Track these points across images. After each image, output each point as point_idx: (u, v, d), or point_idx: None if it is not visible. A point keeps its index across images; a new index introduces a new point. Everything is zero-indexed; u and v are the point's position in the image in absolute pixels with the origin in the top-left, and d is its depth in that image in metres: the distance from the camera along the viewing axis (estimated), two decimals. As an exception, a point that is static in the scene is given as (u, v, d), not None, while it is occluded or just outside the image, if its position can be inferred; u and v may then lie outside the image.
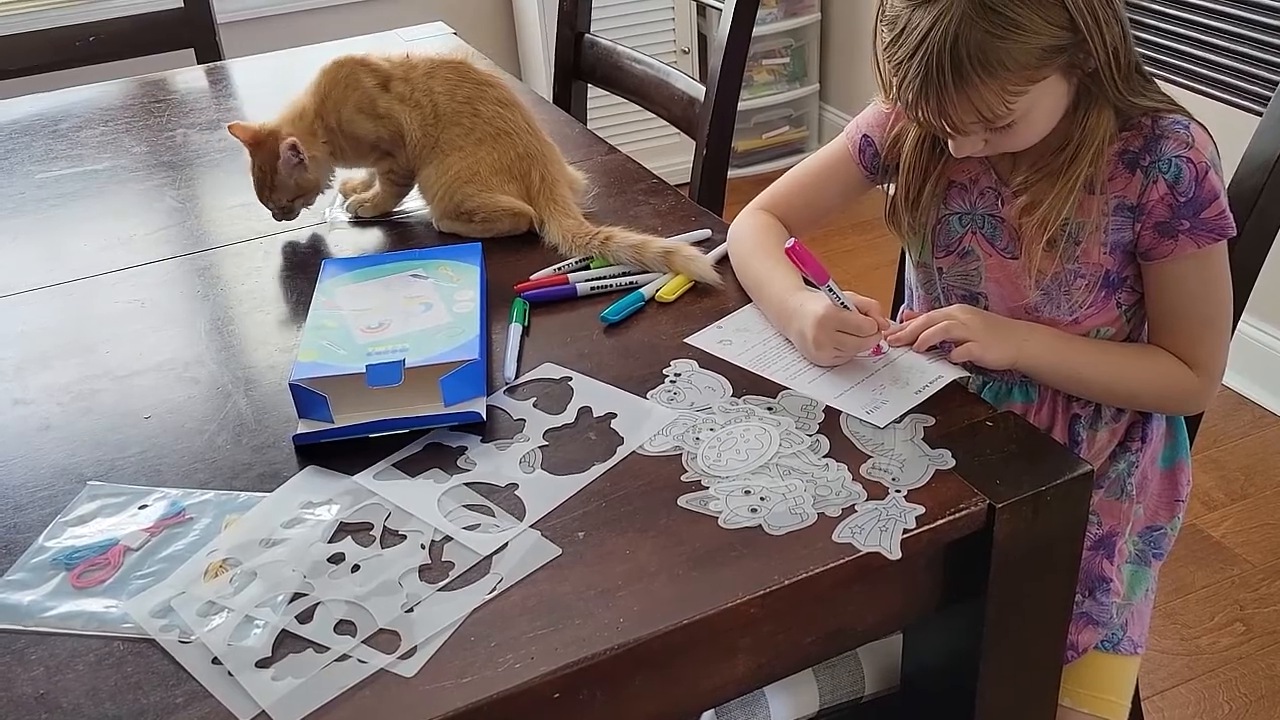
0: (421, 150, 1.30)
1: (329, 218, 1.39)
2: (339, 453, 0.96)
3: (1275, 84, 1.06)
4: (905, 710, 1.07)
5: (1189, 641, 1.80)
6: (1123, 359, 1.04)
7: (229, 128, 1.31)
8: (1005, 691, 0.94)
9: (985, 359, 1.00)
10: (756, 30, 3.27)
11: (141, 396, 1.06)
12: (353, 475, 0.93)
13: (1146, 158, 0.97)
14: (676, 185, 1.41)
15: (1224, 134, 1.03)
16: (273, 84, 1.90)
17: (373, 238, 1.35)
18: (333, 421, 0.98)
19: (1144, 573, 1.12)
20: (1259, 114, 1.07)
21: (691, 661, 0.81)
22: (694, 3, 3.17)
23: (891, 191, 1.12)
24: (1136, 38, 1.02)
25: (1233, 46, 1.10)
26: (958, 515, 0.84)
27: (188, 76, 2.00)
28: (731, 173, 3.36)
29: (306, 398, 0.98)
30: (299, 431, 0.97)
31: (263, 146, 1.30)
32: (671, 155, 3.24)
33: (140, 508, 0.91)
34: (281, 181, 1.30)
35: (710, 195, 1.58)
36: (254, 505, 0.90)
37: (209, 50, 2.22)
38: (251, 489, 0.92)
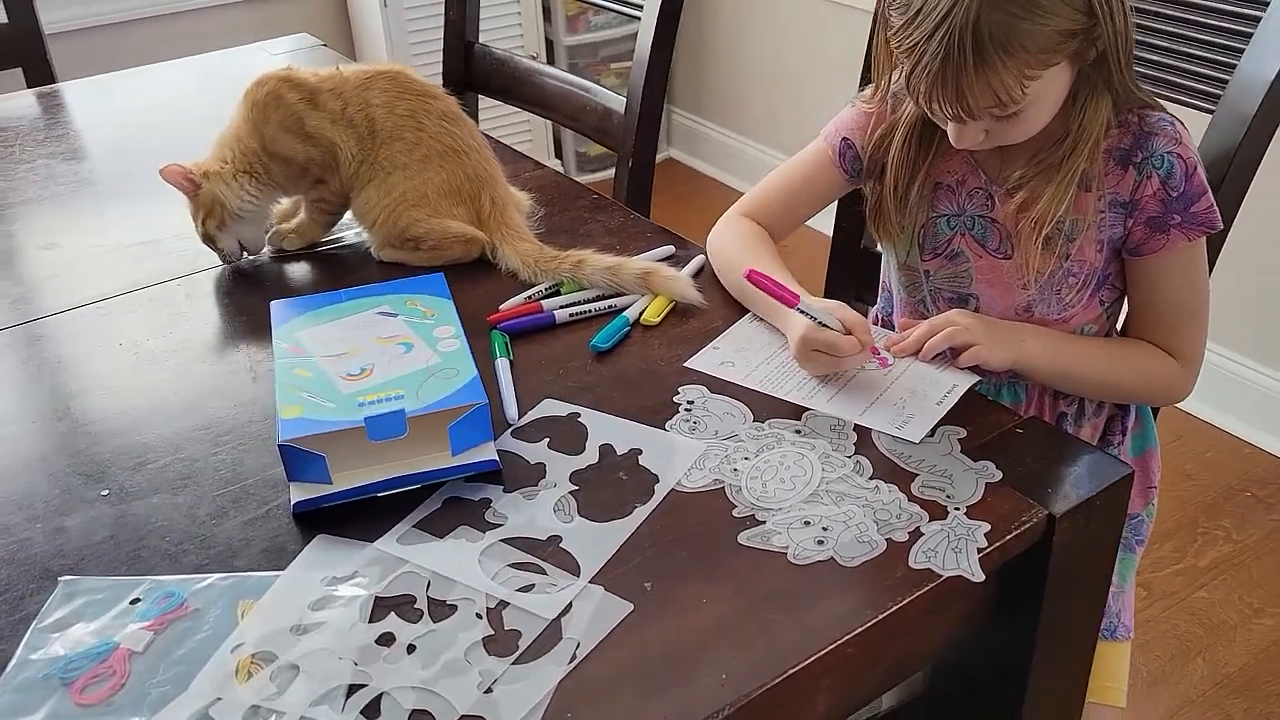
0: (359, 171, 1.21)
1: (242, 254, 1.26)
2: (344, 517, 0.87)
3: (1224, 82, 1.10)
4: (936, 712, 1.05)
5: (1100, 611, 1.88)
6: (1112, 354, 1.07)
7: (161, 172, 1.18)
8: (1049, 696, 0.95)
9: (990, 361, 1.00)
10: (602, 34, 3.27)
11: (90, 470, 0.93)
12: (373, 542, 0.84)
13: (1138, 154, 0.99)
14: None
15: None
16: (117, 111, 1.73)
17: (304, 273, 1.24)
18: (331, 483, 0.89)
19: (1130, 560, 1.15)
20: (1210, 111, 1.12)
21: (783, 711, 0.77)
22: (540, 8, 3.11)
23: (876, 194, 1.11)
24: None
25: (1179, 48, 1.14)
26: (1020, 529, 0.83)
27: (16, 103, 1.80)
28: (586, 177, 3.36)
29: (300, 459, 0.88)
30: (298, 499, 0.87)
31: (199, 186, 1.18)
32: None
33: (131, 602, 0.79)
34: (223, 223, 1.19)
35: (637, 206, 1.54)
36: (268, 587, 0.80)
37: (40, 70, 2.01)
38: (258, 568, 0.82)
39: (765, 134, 3.21)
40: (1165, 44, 1.15)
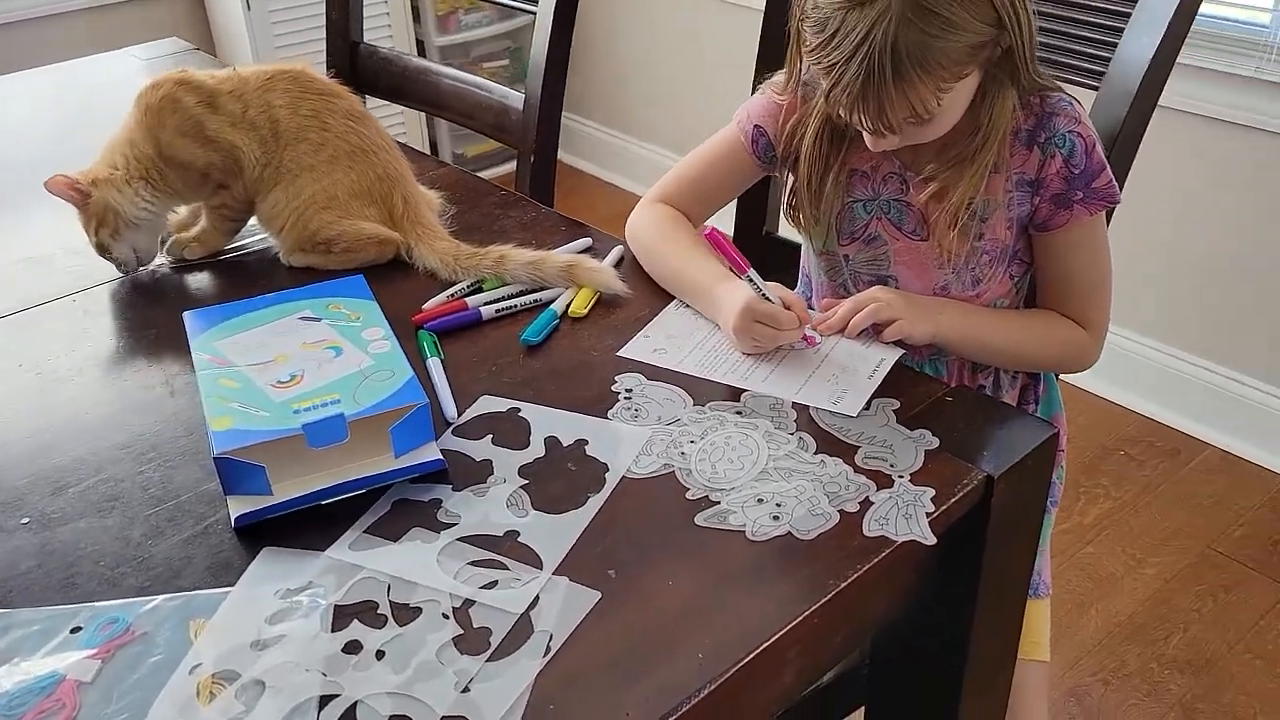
0: (263, 175, 1.17)
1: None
2: (289, 528, 0.84)
3: (1107, 60, 1.16)
4: (876, 677, 1.08)
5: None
6: (1025, 325, 1.12)
7: (46, 184, 1.11)
8: (987, 654, 0.98)
9: (913, 335, 1.04)
10: (474, 34, 3.24)
11: (5, 498, 0.88)
12: (324, 550, 0.82)
13: (1042, 134, 1.04)
14: None
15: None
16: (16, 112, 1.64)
17: (209, 283, 1.20)
18: (272, 494, 0.86)
19: (1047, 520, 1.21)
20: (1095, 88, 1.18)
21: (755, 685, 0.78)
22: (409, 8, 3.06)
23: (791, 184, 1.14)
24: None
25: (1064, 29, 1.20)
26: (963, 491, 0.86)
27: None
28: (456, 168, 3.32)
29: (238, 471, 0.85)
30: (239, 512, 0.84)
31: (88, 196, 1.13)
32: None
33: (72, 631, 0.75)
34: (117, 231, 1.13)
35: (540, 202, 1.53)
36: (219, 604, 0.77)
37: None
38: (204, 586, 0.79)
39: (647, 131, 3.23)
40: (1051, 26, 1.20)
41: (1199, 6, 1.14)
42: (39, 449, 0.93)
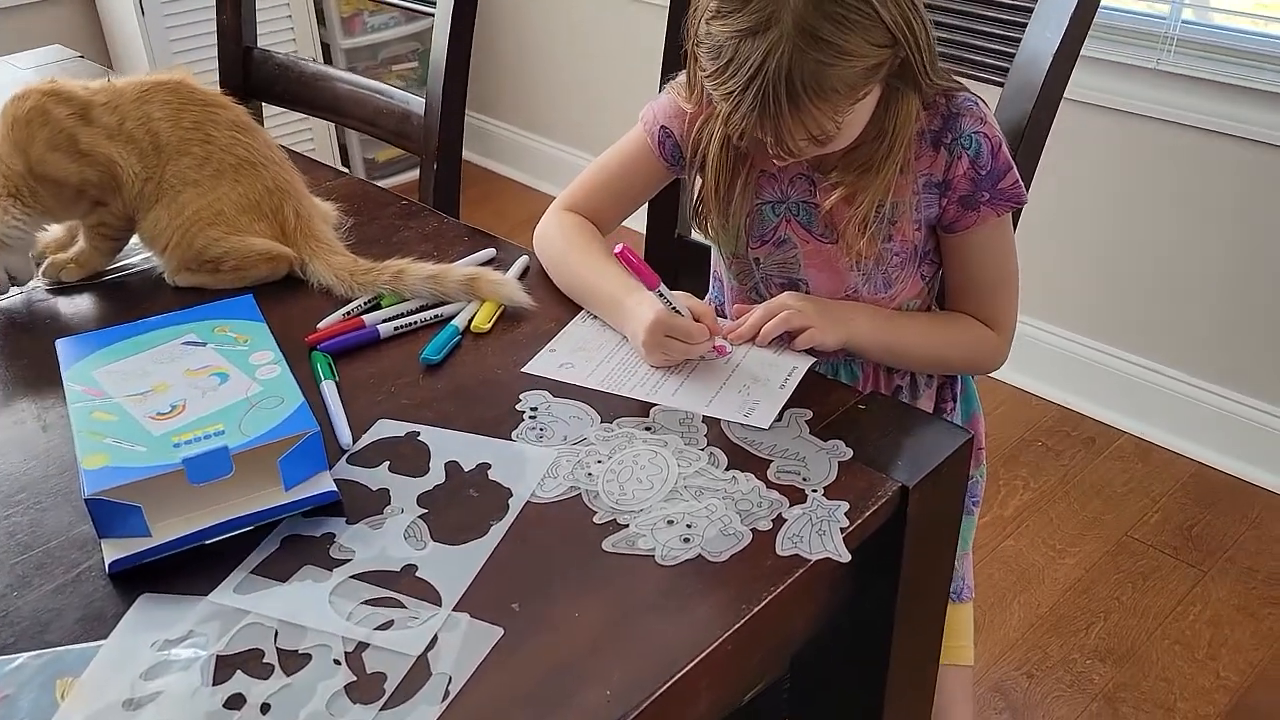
0: (144, 191, 1.10)
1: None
2: (170, 572, 0.79)
3: (1010, 55, 1.15)
4: (797, 693, 1.06)
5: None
6: (935, 327, 1.10)
7: None
8: (909, 664, 0.97)
9: (825, 342, 1.02)
10: (380, 36, 3.17)
11: None
12: (206, 595, 0.76)
13: (948, 135, 1.02)
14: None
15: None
16: None
17: (88, 306, 1.13)
18: (151, 535, 0.80)
19: (969, 521, 1.20)
20: (1000, 84, 1.17)
21: (669, 717, 0.75)
22: (313, 11, 2.97)
23: (697, 188, 1.11)
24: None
25: (967, 25, 1.19)
26: (878, 504, 0.84)
27: None
28: (379, 183, 3.25)
29: (111, 512, 0.80)
30: (114, 557, 0.78)
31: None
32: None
33: (-74, 698, 0.69)
34: None
35: (446, 210, 1.48)
36: (90, 659, 0.72)
37: None
38: (75, 640, 0.73)
39: (559, 131, 3.19)
40: (953, 22, 1.19)
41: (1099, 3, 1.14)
42: (-106, 495, 0.87)
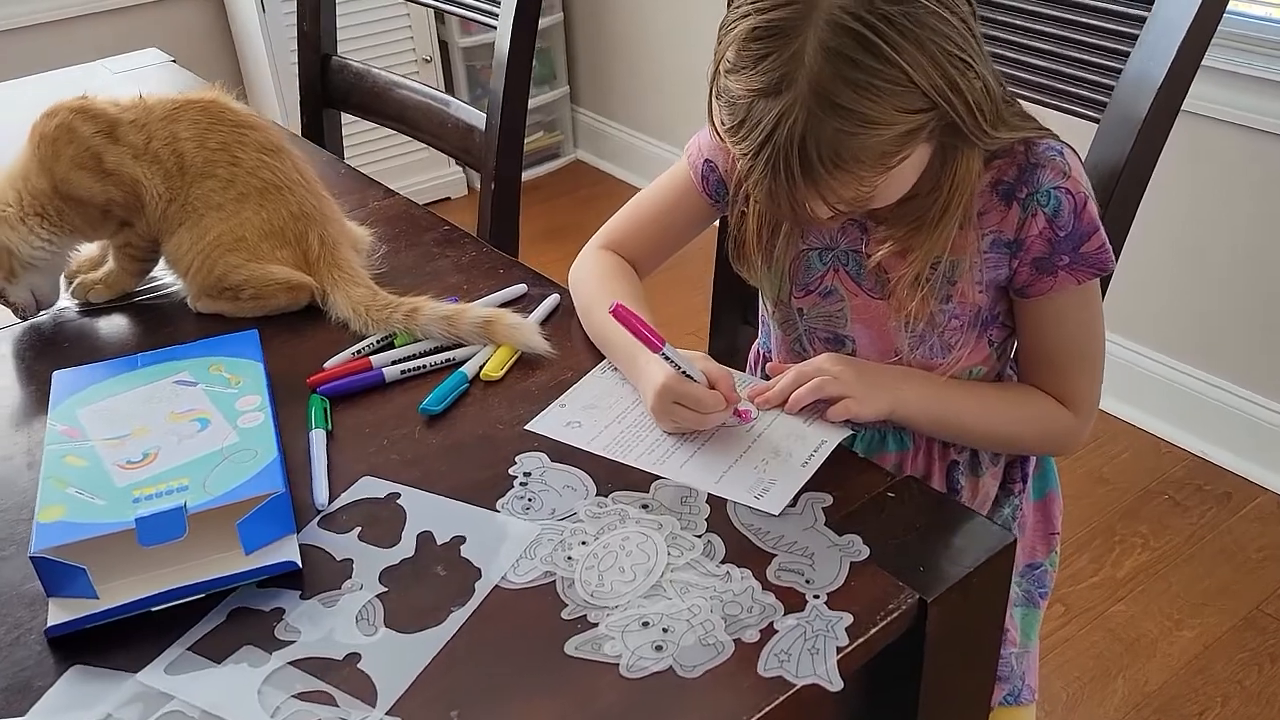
0: (167, 212, 1.07)
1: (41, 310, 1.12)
2: (111, 639, 0.74)
3: (1110, 88, 1.01)
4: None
5: (1018, 631, 1.81)
6: (1000, 402, 0.97)
7: None
8: (936, 787, 0.85)
9: (862, 414, 0.90)
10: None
11: None
12: (136, 673, 0.71)
13: (1023, 189, 0.89)
14: (436, 203, 1.24)
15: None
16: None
17: (113, 329, 1.11)
18: (97, 598, 0.76)
19: (1034, 614, 1.06)
20: (1095, 120, 1.02)
21: None
22: (431, 10, 2.96)
23: (739, 226, 1.00)
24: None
25: (1063, 51, 1.05)
26: (888, 619, 0.73)
27: None
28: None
29: (57, 572, 0.75)
30: (53, 622, 0.74)
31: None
32: (427, 170, 3.06)
33: None
34: (13, 273, 1.05)
35: (502, 233, 1.42)
36: (2, 740, 0.67)
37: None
38: (-5, 713, 0.69)
39: (670, 133, 3.10)
40: (1047, 47, 1.05)
41: (1218, 24, 0.98)
42: None
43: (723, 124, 0.84)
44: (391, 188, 1.35)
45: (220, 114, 1.09)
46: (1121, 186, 0.99)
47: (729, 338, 1.37)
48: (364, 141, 2.85)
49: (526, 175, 3.30)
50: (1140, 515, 2.02)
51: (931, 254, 0.89)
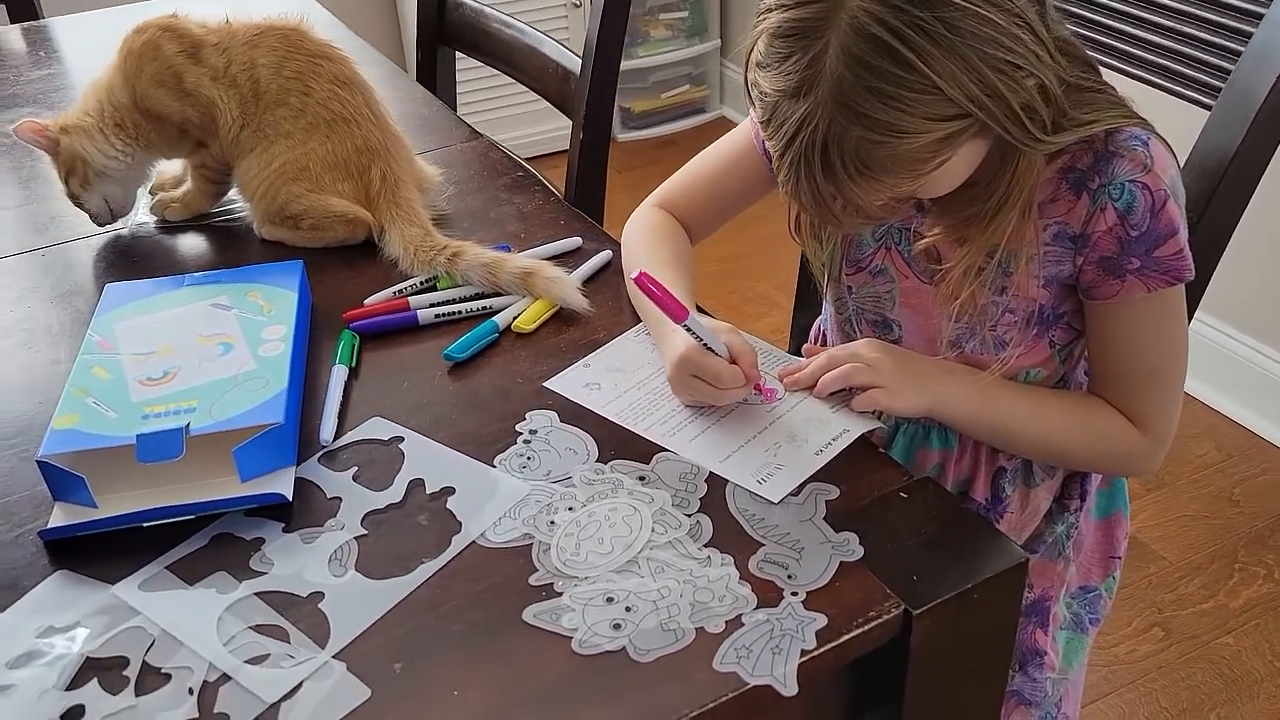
0: (240, 136, 1.09)
1: (128, 222, 1.16)
2: (99, 550, 0.76)
3: (1227, 72, 0.90)
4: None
5: (1107, 650, 1.70)
6: (1057, 411, 0.88)
7: (15, 130, 1.08)
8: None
9: (894, 408, 0.84)
10: (651, -21, 3.08)
11: None
12: (113, 585, 0.73)
13: (1095, 179, 0.80)
14: (550, 155, 1.22)
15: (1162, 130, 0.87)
16: (104, 45, 1.65)
17: (184, 248, 1.14)
18: (96, 507, 0.78)
19: (1080, 640, 0.98)
20: (1207, 107, 0.92)
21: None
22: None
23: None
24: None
25: (1179, 27, 0.94)
26: (866, 626, 0.68)
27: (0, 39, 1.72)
28: (629, 135, 3.20)
29: (60, 478, 0.78)
30: (50, 525, 0.77)
31: (57, 142, 1.08)
32: (545, 120, 3.00)
33: None
34: (87, 180, 1.09)
35: (590, 183, 1.39)
36: (-23, 633, 0.70)
37: (23, 6, 1.94)
38: (-20, 607, 0.72)
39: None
40: (1161, 20, 0.95)
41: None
42: (-86, 420, 0.90)
43: (758, 116, 0.78)
44: (498, 137, 1.34)
45: (299, 43, 1.10)
46: (1228, 180, 0.89)
47: (815, 311, 1.32)
48: (481, 89, 2.85)
49: (667, 128, 3.27)
50: (1269, 544, 1.86)
51: (987, 245, 0.81)
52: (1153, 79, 0.96)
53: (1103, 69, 0.94)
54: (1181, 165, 0.91)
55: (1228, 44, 0.91)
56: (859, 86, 0.70)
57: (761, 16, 0.76)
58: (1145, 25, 0.96)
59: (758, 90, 0.76)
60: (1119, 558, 0.99)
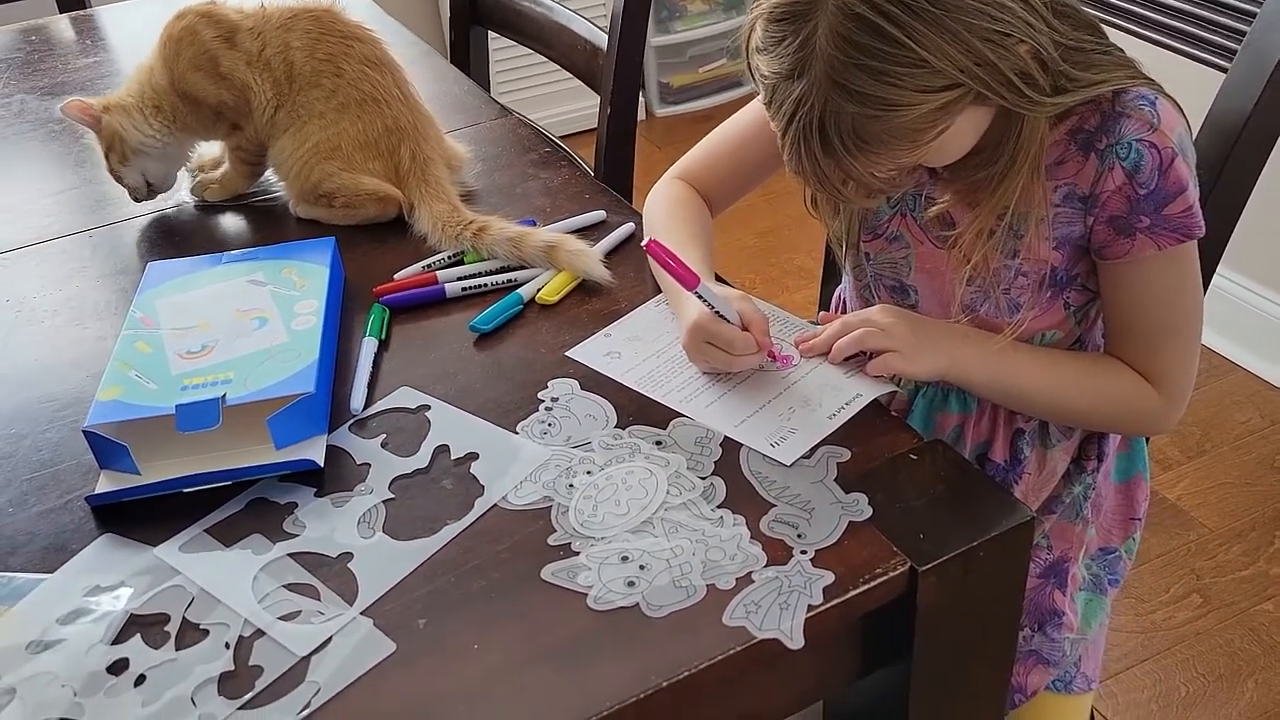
0: (275, 118, 1.12)
1: (169, 199, 1.20)
2: (143, 514, 0.80)
3: (1242, 34, 0.90)
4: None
5: (1144, 617, 1.70)
6: (1073, 373, 0.89)
7: (63, 108, 1.12)
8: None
9: (908, 371, 0.86)
10: (688, -49, 3.08)
11: (-81, 442, 0.90)
12: (155, 547, 0.77)
13: (1103, 139, 0.81)
14: (581, 133, 1.24)
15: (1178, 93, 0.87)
16: (150, 32, 1.69)
17: (222, 227, 1.18)
18: (139, 474, 0.82)
19: (1099, 601, 0.99)
20: (1222, 69, 0.92)
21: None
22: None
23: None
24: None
25: (1195, -11, 0.94)
26: (873, 583, 0.70)
27: (50, 28, 1.77)
28: (667, 110, 3.21)
29: (105, 447, 0.82)
30: (97, 490, 0.81)
31: (99, 120, 1.13)
32: (587, 96, 3.00)
33: (-109, 598, 0.75)
34: (125, 157, 1.13)
35: (617, 157, 1.41)
36: (29, 592, 0.74)
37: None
38: (31, 568, 0.76)
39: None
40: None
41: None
42: (-32, 395, 0.94)
43: (762, 96, 0.80)
44: (532, 115, 1.36)
45: (331, 24, 1.13)
46: (1244, 140, 0.89)
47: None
48: (514, 68, 2.87)
49: (705, 102, 3.27)
50: (1313, 510, 1.84)
51: (997, 209, 0.82)
52: (1168, 41, 0.96)
53: (1118, 32, 0.94)
54: (1198, 127, 0.91)
55: (1242, 5, 0.90)
56: (849, 65, 0.72)
57: (756, 2, 0.78)
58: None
59: (759, 74, 0.79)
60: (1139, 519, 0.99)
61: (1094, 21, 0.80)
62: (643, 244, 0.85)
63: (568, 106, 3.01)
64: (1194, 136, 0.88)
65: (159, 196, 1.19)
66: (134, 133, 1.12)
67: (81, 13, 1.88)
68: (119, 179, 1.16)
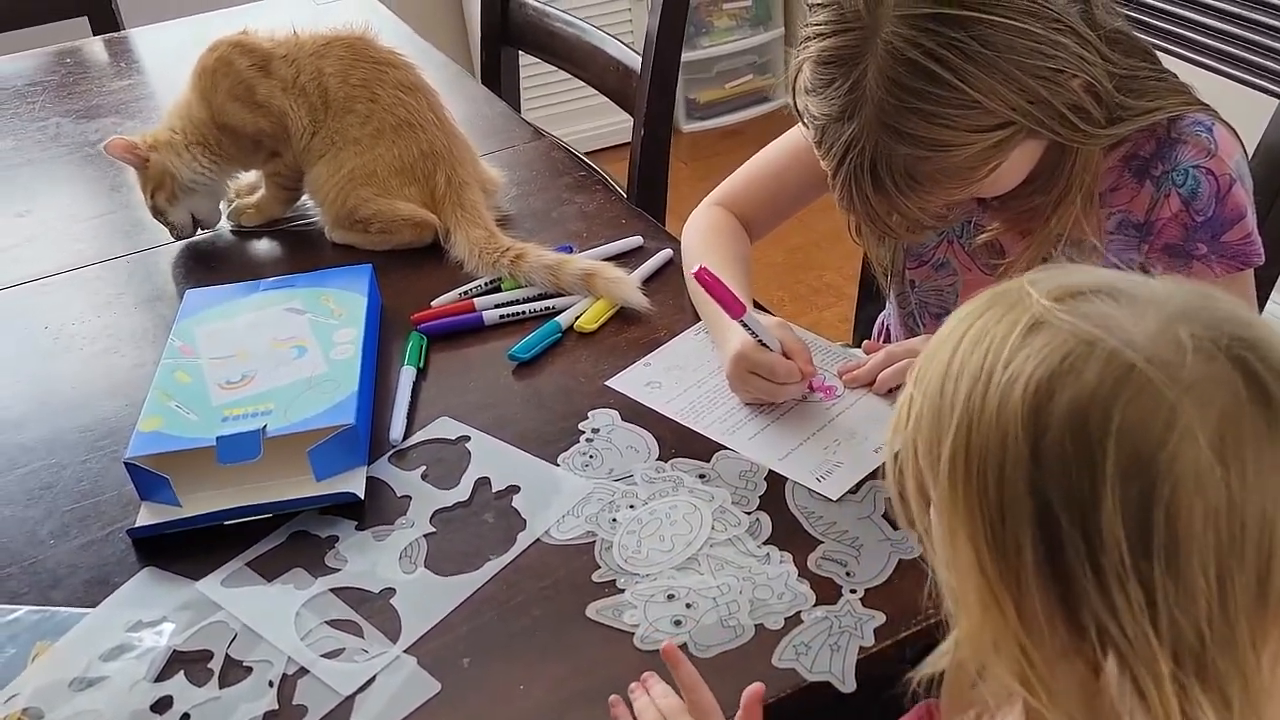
0: (311, 144, 1.12)
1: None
2: (188, 547, 0.79)
3: (1298, 59, 0.89)
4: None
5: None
6: None
7: (105, 147, 1.12)
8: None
9: (955, 405, 0.84)
10: (715, -30, 3.07)
11: (-41, 472, 0.90)
12: (197, 581, 0.76)
13: (1158, 166, 0.80)
14: (611, 149, 1.23)
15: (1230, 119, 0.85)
16: (183, 55, 1.70)
17: (259, 253, 1.18)
18: (180, 506, 0.82)
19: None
20: (1277, 95, 0.90)
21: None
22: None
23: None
24: None
25: (1247, 14, 0.92)
26: (925, 624, 0.68)
27: (84, 50, 1.79)
28: (693, 126, 3.20)
29: (146, 479, 0.82)
30: (138, 524, 0.81)
31: (147, 159, 1.13)
32: (604, 115, 2.99)
33: (-66, 632, 0.75)
34: (174, 196, 1.13)
35: (652, 179, 1.40)
36: (71, 627, 0.74)
37: (105, 18, 2.01)
38: (73, 602, 0.76)
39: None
40: (1226, 6, 0.93)
41: None
42: (11, 422, 0.94)
43: (811, 136, 0.80)
44: (557, 132, 1.36)
45: (364, 51, 1.13)
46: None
47: (880, 304, 1.32)
48: (544, 84, 2.86)
49: (732, 118, 3.26)
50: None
51: (1051, 237, 0.81)
52: (1220, 66, 0.94)
53: (1170, 58, 0.93)
54: (1251, 153, 0.89)
55: (1297, 29, 0.89)
56: (900, 109, 0.71)
57: (803, 44, 0.77)
58: (1213, 13, 0.94)
59: (808, 114, 0.78)
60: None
61: (1148, 48, 0.79)
62: (692, 271, 0.85)
63: (596, 122, 3.00)
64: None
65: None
66: (185, 170, 1.12)
67: (115, 35, 1.89)
68: (162, 216, 1.15)
